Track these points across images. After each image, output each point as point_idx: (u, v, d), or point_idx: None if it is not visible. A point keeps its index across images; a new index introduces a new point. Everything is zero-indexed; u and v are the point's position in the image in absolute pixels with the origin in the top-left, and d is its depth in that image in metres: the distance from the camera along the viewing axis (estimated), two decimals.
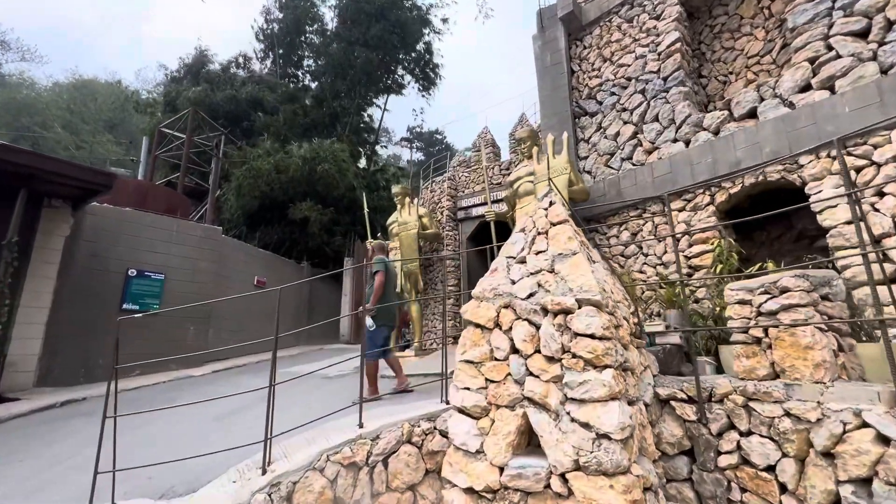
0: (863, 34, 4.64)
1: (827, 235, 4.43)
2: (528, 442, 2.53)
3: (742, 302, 2.66)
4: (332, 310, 15.07)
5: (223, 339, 10.38)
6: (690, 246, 5.56)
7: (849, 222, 4.24)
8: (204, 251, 9.61)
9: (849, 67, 4.61)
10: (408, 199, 8.77)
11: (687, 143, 5.88)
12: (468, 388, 2.66)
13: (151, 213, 8.96)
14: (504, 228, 9.42)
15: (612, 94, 7.12)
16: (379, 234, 9.79)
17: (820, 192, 4.52)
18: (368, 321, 4.66)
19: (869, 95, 4.34)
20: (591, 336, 2.34)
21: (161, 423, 4.90)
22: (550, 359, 2.44)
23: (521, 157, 7.02)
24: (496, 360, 2.62)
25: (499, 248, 7.64)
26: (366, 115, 18.61)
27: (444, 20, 20.38)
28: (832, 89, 4.71)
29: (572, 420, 2.29)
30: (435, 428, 3.28)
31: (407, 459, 3.07)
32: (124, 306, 7.96)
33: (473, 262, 9.46)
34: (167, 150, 13.55)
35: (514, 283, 2.78)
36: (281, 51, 19.04)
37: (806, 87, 4.92)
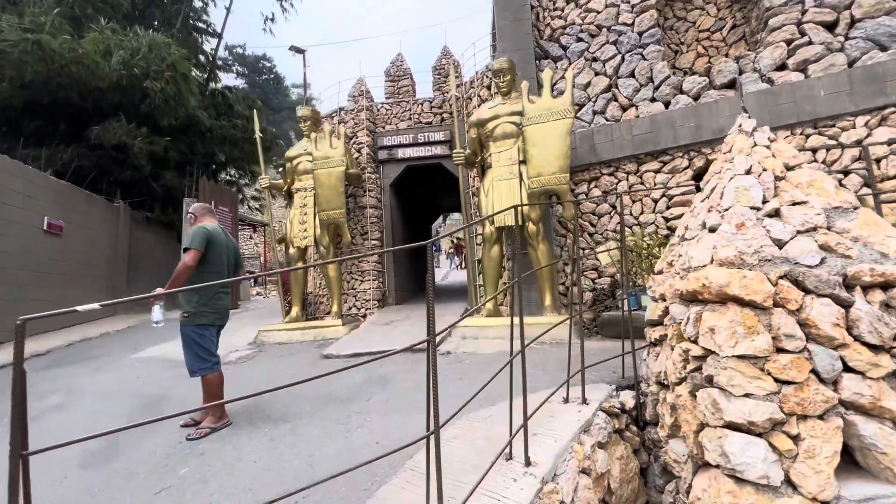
0: (831, 26, 5.18)
1: None
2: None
3: None
4: (162, 265, 11.46)
5: None
6: (669, 208, 5.67)
7: None
8: None
9: (821, 54, 5.11)
10: (328, 128, 6.78)
11: (666, 104, 5.88)
12: (750, 395, 1.84)
13: None
14: (430, 174, 8.20)
15: (580, 39, 6.64)
16: (280, 171, 7.44)
17: None
18: (156, 313, 3.07)
19: (841, 83, 4.89)
20: None
21: None
22: (876, 348, 1.82)
23: (493, 93, 6.00)
24: (787, 352, 1.87)
25: (477, 208, 6.57)
26: (201, 7, 13.80)
27: None
28: (805, 72, 5.19)
29: None
30: (598, 443, 2.37)
31: (588, 497, 2.11)
32: None
33: (396, 213, 8.12)
34: None
35: (780, 244, 2.02)
36: None
37: (782, 66, 5.33)
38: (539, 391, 2.84)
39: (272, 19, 17.42)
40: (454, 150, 5.84)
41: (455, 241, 22.86)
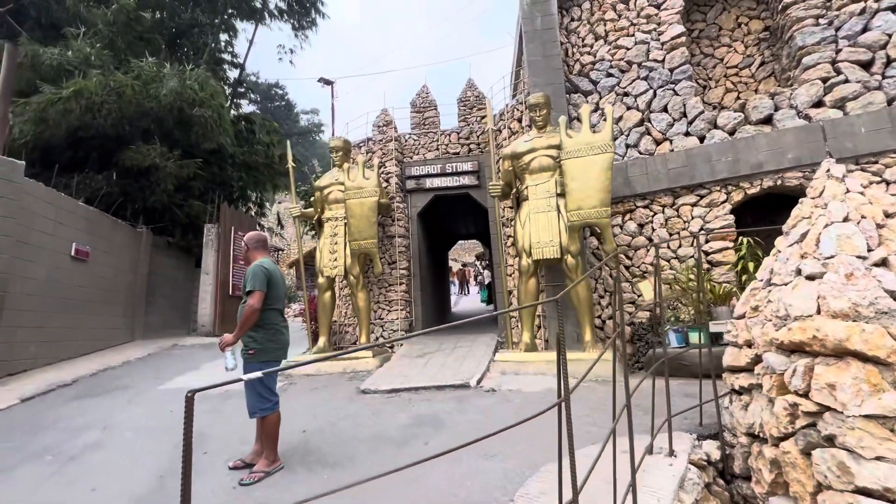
0: (867, 65, 5.26)
1: None
2: None
3: None
4: (179, 290, 11.43)
5: (20, 342, 6.64)
6: (707, 242, 5.63)
7: None
8: None
9: (859, 92, 5.17)
10: (361, 158, 6.84)
11: (701, 138, 5.92)
12: (881, 459, 1.75)
13: None
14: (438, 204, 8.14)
15: (610, 75, 6.76)
16: (312, 199, 7.48)
17: None
18: (229, 359, 3.05)
19: (882, 120, 4.92)
20: None
21: None
22: None
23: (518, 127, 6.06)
24: None
25: (511, 239, 6.50)
26: (226, 41, 14.25)
27: None
28: (843, 109, 5.23)
29: None
30: (695, 501, 2.25)
31: None
32: None
33: (422, 241, 8.10)
34: None
35: (894, 296, 1.95)
36: None
37: (819, 104, 5.38)
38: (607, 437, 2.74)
39: (292, 51, 17.94)
40: (490, 183, 5.86)
41: (454, 267, 22.84)
